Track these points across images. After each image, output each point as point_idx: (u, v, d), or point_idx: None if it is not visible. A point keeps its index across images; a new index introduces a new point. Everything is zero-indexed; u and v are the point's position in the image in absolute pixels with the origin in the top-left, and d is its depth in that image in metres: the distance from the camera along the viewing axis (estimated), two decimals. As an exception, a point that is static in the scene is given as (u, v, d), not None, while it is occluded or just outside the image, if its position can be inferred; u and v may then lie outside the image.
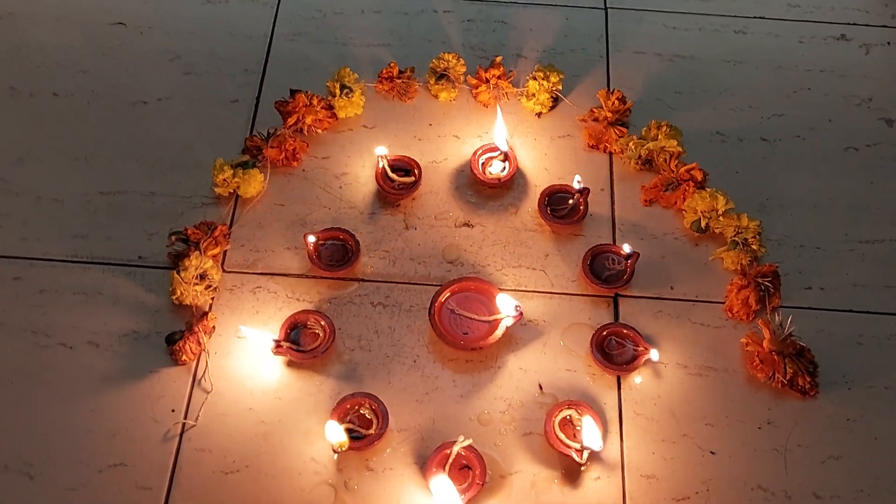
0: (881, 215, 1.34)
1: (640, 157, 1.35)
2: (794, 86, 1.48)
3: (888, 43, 1.54)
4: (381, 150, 1.32)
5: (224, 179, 1.29)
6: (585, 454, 1.08)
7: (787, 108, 1.45)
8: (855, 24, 1.57)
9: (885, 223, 1.33)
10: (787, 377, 1.14)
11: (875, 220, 1.33)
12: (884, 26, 1.57)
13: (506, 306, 1.17)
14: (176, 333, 1.16)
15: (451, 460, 1.07)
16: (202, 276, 1.20)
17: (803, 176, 1.38)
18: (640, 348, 1.16)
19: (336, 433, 1.06)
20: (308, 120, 1.36)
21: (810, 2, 1.60)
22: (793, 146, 1.41)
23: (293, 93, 1.38)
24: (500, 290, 1.22)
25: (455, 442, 1.07)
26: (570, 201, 1.31)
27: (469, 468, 1.08)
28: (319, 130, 1.38)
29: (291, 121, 1.36)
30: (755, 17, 1.57)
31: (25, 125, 1.39)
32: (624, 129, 1.39)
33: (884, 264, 1.29)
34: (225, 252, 1.26)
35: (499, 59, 1.44)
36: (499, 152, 1.35)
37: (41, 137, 1.37)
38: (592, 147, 1.39)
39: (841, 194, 1.36)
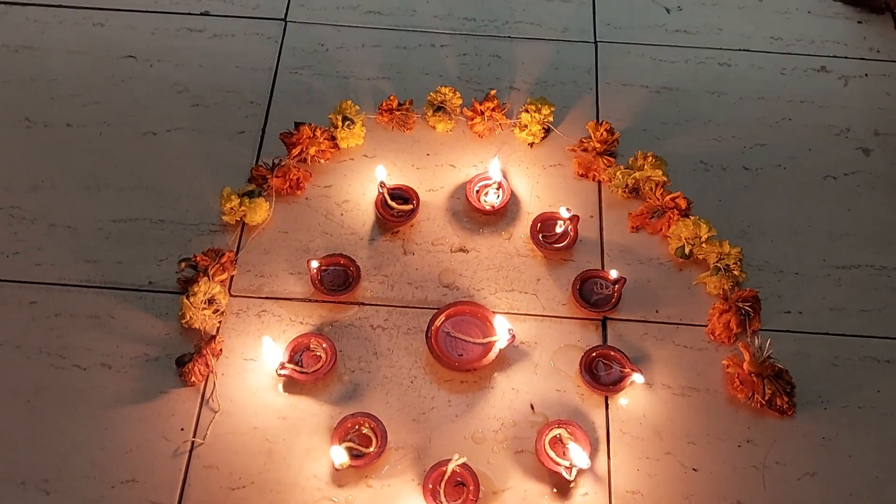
0: (858, 242, 1.40)
1: (627, 185, 1.41)
2: (776, 116, 1.55)
3: (866, 75, 1.61)
4: (382, 173, 1.38)
5: (231, 208, 1.35)
6: (574, 471, 1.13)
7: (768, 138, 1.52)
8: (834, 56, 1.64)
9: (861, 249, 1.39)
10: (766, 397, 1.20)
11: (852, 246, 1.40)
12: (862, 59, 1.64)
13: (502, 328, 1.23)
14: (185, 356, 1.22)
15: (446, 477, 1.13)
16: (210, 301, 1.26)
17: (784, 204, 1.44)
18: (627, 370, 1.22)
19: (339, 456, 1.12)
20: (311, 151, 1.43)
21: (792, 35, 1.67)
22: (774, 175, 1.48)
23: (297, 125, 1.44)
24: (494, 313, 1.28)
25: (450, 460, 1.13)
26: (560, 228, 1.37)
27: (463, 485, 1.14)
28: (322, 160, 1.45)
29: (296, 152, 1.43)
30: (739, 50, 1.64)
31: (40, 155, 1.45)
32: (612, 159, 1.45)
33: (859, 289, 1.35)
34: (232, 277, 1.32)
35: (493, 92, 1.51)
36: (493, 181, 1.42)
37: (55, 166, 1.44)
38: (582, 176, 1.46)
39: (820, 221, 1.42)
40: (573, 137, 1.49)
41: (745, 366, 1.22)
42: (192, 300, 1.25)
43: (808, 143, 1.52)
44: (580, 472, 1.14)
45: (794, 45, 1.65)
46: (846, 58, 1.64)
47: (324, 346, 1.24)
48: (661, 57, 1.62)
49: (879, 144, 1.52)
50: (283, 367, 1.21)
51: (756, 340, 1.24)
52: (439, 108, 1.50)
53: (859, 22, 1.69)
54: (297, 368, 1.22)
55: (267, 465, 1.16)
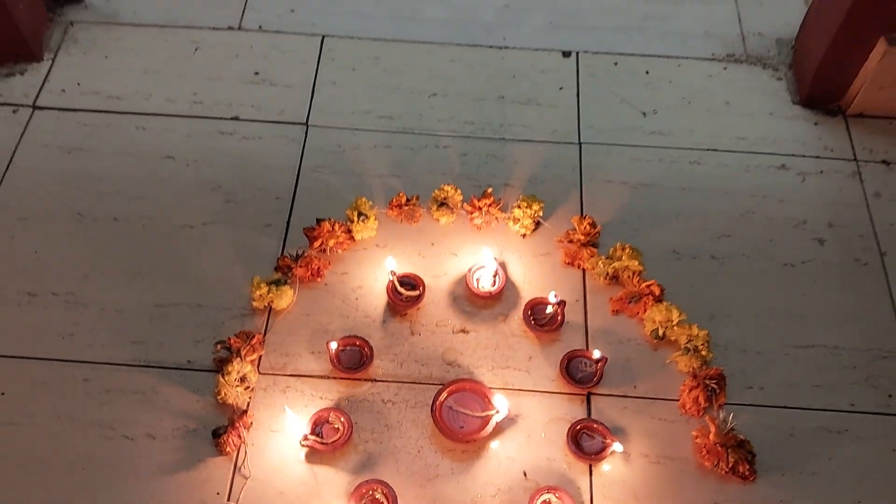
0: (813, 324, 1.58)
1: (607, 273, 1.60)
2: (741, 210, 1.74)
3: (821, 172, 1.81)
4: (392, 263, 1.57)
5: (260, 294, 1.54)
6: (561, 531, 1.30)
7: (734, 230, 1.71)
8: (793, 154, 1.84)
9: (816, 331, 1.57)
10: (730, 465, 1.37)
11: (807, 327, 1.58)
12: (817, 157, 1.84)
13: (498, 404, 1.40)
14: (220, 428, 1.39)
15: (449, 536, 1.29)
16: (242, 379, 1.44)
17: (747, 289, 1.63)
18: (607, 441, 1.39)
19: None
20: (330, 243, 1.62)
21: (756, 135, 1.88)
22: (739, 263, 1.66)
23: (318, 221, 1.64)
24: (491, 389, 1.45)
25: (453, 521, 1.29)
26: (549, 311, 1.56)
27: (464, 543, 1.30)
28: (340, 251, 1.64)
29: (317, 244, 1.62)
30: (708, 150, 1.84)
31: (91, 246, 1.64)
32: (594, 249, 1.65)
33: (814, 366, 1.53)
34: (260, 357, 1.50)
35: (489, 189, 1.71)
36: (490, 269, 1.60)
37: (104, 257, 1.63)
38: (568, 264, 1.65)
39: (779, 305, 1.61)
40: (560, 229, 1.68)
41: (712, 437, 1.39)
42: (226, 378, 1.43)
43: (769, 234, 1.71)
44: (567, 532, 1.31)
45: (757, 144, 1.86)
46: (804, 156, 1.84)
47: (341, 419, 1.41)
48: (638, 156, 1.82)
49: (833, 235, 1.71)
50: (305, 438, 1.38)
51: (721, 414, 1.42)
52: (442, 204, 1.70)
53: (815, 123, 1.90)
54: (318, 440, 1.39)
55: (292, 526, 1.33)
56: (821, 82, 1.89)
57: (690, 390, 1.46)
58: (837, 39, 1.80)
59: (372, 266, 1.64)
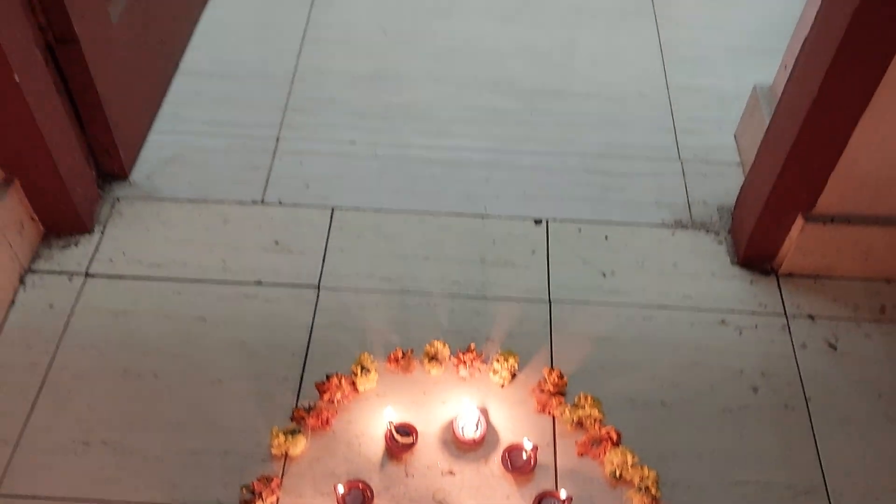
0: (747, 462, 1.86)
1: (573, 420, 1.89)
2: (687, 361, 2.05)
3: (756, 326, 2.13)
4: (389, 412, 1.86)
5: (278, 443, 1.82)
6: None
7: (681, 379, 2.01)
8: (732, 310, 2.16)
9: (749, 468, 1.85)
10: (674, 592, 1.63)
11: (742, 466, 1.85)
12: (753, 312, 2.16)
13: (478, 538, 1.68)
14: (246, 562, 1.66)
15: None
16: (264, 519, 1.71)
17: (691, 432, 1.91)
18: (571, 571, 1.66)
19: None
20: (337, 395, 1.92)
21: (699, 293, 2.20)
22: (685, 409, 1.95)
23: (328, 376, 1.94)
24: (474, 524, 1.73)
25: None
26: (525, 456, 1.84)
27: None
28: (345, 402, 1.94)
29: (326, 397, 1.92)
30: (658, 307, 2.16)
31: (135, 399, 1.94)
32: (562, 398, 1.94)
33: (749, 500, 1.80)
34: (278, 498, 1.77)
35: (472, 345, 2.02)
36: (472, 418, 1.89)
37: (147, 409, 1.92)
38: (540, 412, 1.94)
39: (720, 446, 1.89)
40: (533, 380, 1.98)
41: (658, 564, 1.66)
42: (251, 518, 1.70)
43: (711, 382, 2.01)
44: None
45: (700, 301, 2.17)
46: (741, 312, 2.16)
47: (347, 554, 1.68)
48: (599, 313, 2.14)
49: (765, 383, 2.01)
50: (317, 571, 1.64)
51: (666, 544, 1.69)
52: (433, 358, 2.00)
53: (751, 282, 2.23)
54: (328, 572, 1.65)
55: None
56: (754, 247, 2.22)
57: (642, 524, 1.73)
58: (764, 214, 2.14)
59: (373, 414, 1.92)
